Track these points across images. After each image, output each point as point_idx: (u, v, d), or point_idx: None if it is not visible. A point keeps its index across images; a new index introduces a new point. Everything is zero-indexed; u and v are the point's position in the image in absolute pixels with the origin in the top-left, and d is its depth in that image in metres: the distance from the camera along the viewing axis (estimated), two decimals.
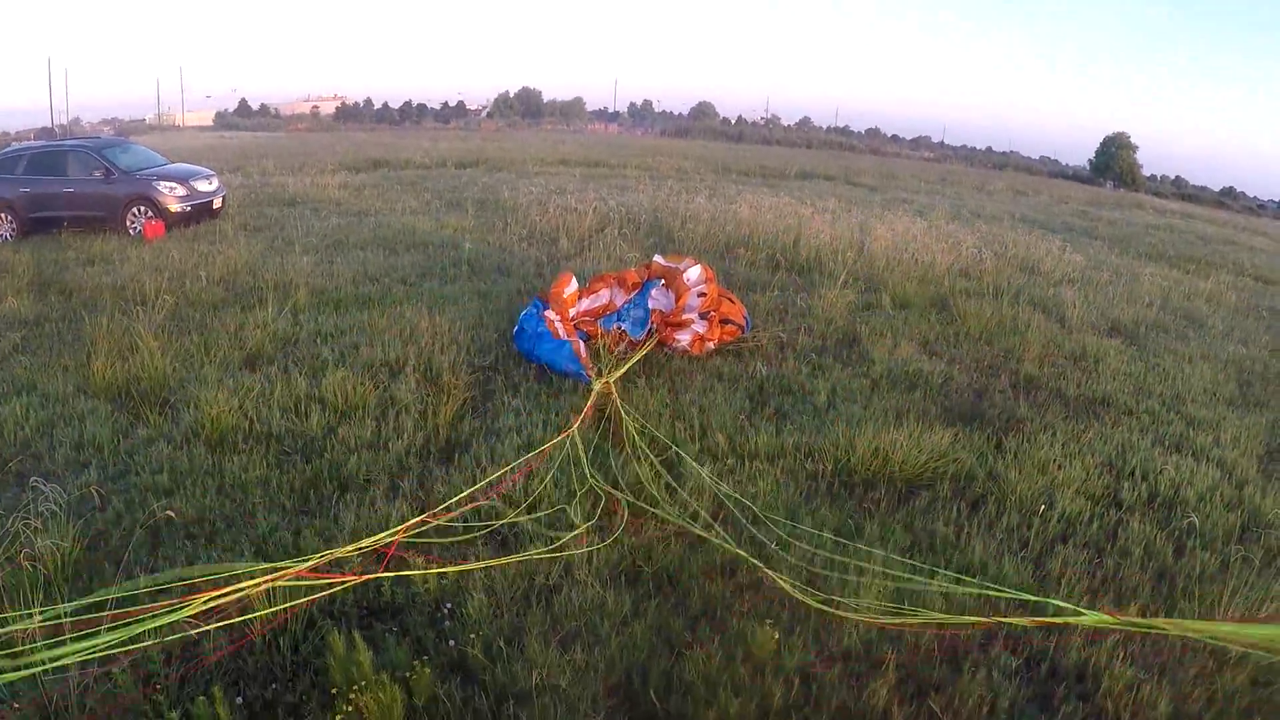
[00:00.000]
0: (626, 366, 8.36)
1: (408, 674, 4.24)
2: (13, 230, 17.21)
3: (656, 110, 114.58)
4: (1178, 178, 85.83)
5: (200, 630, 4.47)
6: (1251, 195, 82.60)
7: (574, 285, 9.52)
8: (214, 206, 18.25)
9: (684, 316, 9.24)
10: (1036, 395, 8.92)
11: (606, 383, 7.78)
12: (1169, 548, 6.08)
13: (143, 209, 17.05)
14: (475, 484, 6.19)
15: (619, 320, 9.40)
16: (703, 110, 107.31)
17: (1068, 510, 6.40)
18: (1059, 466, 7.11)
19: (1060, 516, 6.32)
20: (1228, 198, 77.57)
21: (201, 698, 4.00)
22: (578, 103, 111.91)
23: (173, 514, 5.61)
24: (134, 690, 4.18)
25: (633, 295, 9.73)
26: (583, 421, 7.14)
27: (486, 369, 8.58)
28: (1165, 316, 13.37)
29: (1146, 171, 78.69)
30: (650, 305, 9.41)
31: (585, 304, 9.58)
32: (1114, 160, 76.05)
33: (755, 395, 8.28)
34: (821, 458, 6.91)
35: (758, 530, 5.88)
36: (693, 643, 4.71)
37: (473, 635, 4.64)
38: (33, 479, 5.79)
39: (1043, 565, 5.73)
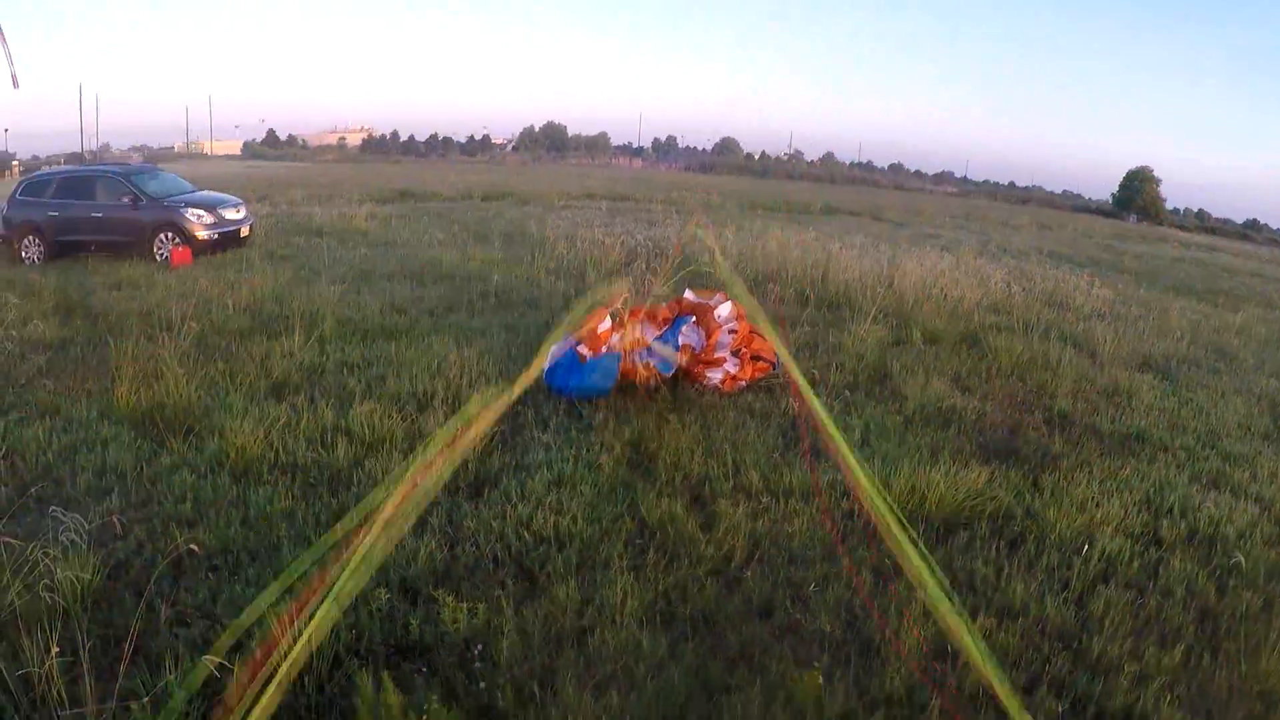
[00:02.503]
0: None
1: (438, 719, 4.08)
2: (40, 253, 17.30)
3: (680, 145, 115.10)
4: (1200, 210, 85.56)
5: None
6: (1275, 227, 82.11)
7: (608, 322, 9.38)
8: (241, 235, 18.30)
9: (716, 355, 9.11)
10: (1071, 431, 8.73)
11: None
12: (1211, 587, 5.88)
13: (170, 235, 17.13)
14: (505, 519, 6.06)
15: (649, 356, 9.25)
16: (726, 146, 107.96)
17: (1108, 549, 6.21)
18: (1097, 504, 6.92)
19: (1100, 555, 6.14)
20: (1251, 230, 77.19)
21: None
22: (602, 137, 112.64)
23: (195, 548, 5.48)
24: None
25: (663, 330, 9.59)
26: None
27: (515, 403, 8.39)
28: (1196, 351, 13.19)
29: (1169, 204, 78.41)
30: (681, 341, 9.27)
31: (615, 339, 9.44)
32: (1138, 194, 75.96)
33: (788, 432, 8.13)
34: (857, 496, 6.73)
35: (794, 568, 5.74)
36: (731, 687, 4.55)
37: (503, 679, 4.49)
38: (52, 508, 5.68)
39: (1084, 606, 5.55)
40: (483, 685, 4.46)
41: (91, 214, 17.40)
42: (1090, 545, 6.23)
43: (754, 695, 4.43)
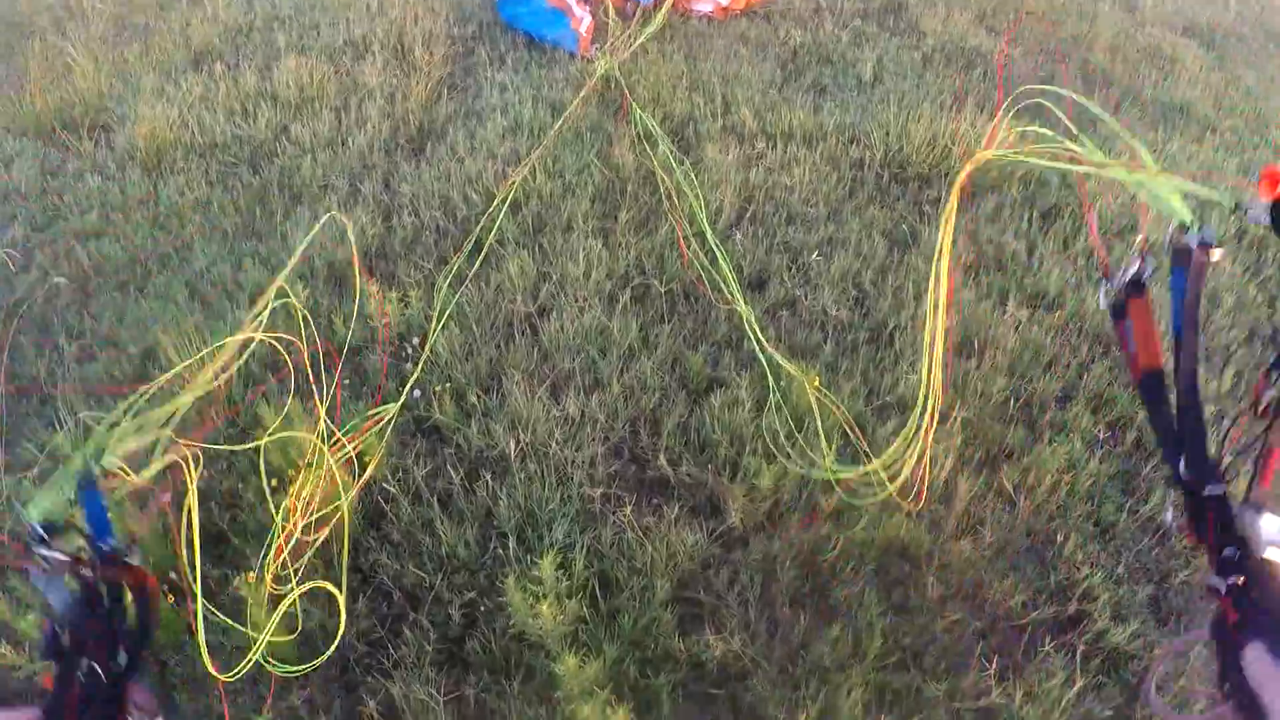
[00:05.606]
0: (634, 46, 7.00)
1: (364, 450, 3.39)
2: None
3: None
4: None
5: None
6: None
7: None
8: None
9: None
10: (1109, 92, 7.60)
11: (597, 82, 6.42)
12: (1263, 297, 5.08)
13: None
14: (449, 179, 5.21)
15: None
16: None
17: (1153, 240, 5.30)
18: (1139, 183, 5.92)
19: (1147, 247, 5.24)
20: None
21: None
22: None
23: (61, 280, 4.69)
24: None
25: None
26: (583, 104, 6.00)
27: (468, 39, 7.31)
28: (1243, 26, 11.55)
29: None
30: None
31: None
32: None
33: (787, 64, 7.03)
34: (869, 144, 5.79)
35: (793, 230, 4.91)
36: (714, 384, 3.82)
37: (439, 385, 3.77)
38: None
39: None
40: (417, 395, 3.73)
41: None
42: (1133, 230, 5.32)
43: (742, 395, 3.71)
